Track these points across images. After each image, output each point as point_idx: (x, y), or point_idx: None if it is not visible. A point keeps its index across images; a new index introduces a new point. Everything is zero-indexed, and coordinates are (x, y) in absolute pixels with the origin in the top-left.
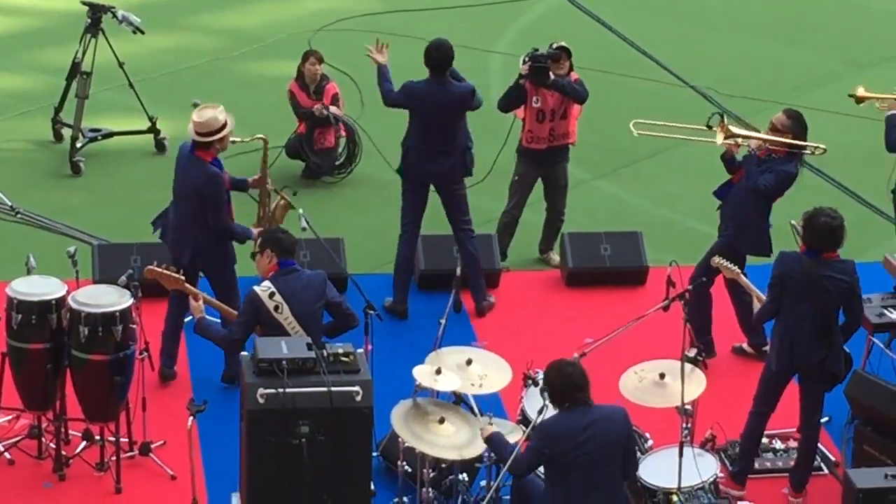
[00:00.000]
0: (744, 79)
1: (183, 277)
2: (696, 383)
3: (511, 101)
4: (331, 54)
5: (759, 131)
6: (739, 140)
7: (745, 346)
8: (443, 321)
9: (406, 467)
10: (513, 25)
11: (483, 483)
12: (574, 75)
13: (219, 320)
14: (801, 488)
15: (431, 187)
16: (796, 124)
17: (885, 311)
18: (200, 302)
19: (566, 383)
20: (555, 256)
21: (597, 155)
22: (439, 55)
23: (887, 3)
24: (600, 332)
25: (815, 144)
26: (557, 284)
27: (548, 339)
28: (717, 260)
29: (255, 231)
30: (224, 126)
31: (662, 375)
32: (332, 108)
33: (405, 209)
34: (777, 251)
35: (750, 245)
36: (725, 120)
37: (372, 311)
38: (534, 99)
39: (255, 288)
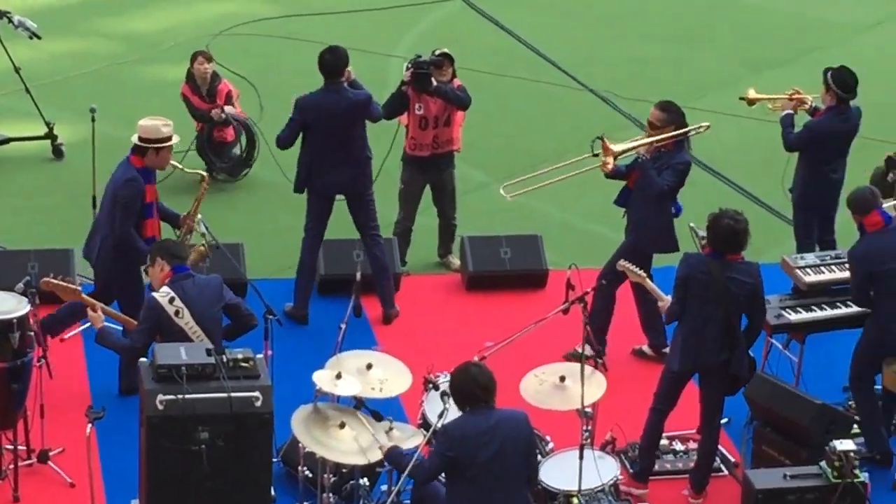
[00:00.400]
0: (642, 82)
1: (79, 288)
2: (596, 386)
3: (394, 107)
4: (229, 59)
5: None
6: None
7: (644, 347)
8: (343, 326)
9: (307, 472)
10: (412, 29)
11: (384, 488)
12: (457, 82)
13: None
14: (702, 489)
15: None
16: (673, 115)
17: (783, 313)
18: (99, 312)
19: (472, 385)
20: (454, 260)
21: (496, 158)
22: (333, 59)
23: (781, 4)
24: (501, 336)
25: (696, 126)
26: (458, 288)
27: (448, 342)
28: (622, 263)
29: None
30: (165, 140)
31: (563, 378)
32: (228, 108)
33: (310, 216)
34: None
35: (655, 244)
36: (606, 142)
37: (272, 317)
38: (416, 106)
39: (154, 294)
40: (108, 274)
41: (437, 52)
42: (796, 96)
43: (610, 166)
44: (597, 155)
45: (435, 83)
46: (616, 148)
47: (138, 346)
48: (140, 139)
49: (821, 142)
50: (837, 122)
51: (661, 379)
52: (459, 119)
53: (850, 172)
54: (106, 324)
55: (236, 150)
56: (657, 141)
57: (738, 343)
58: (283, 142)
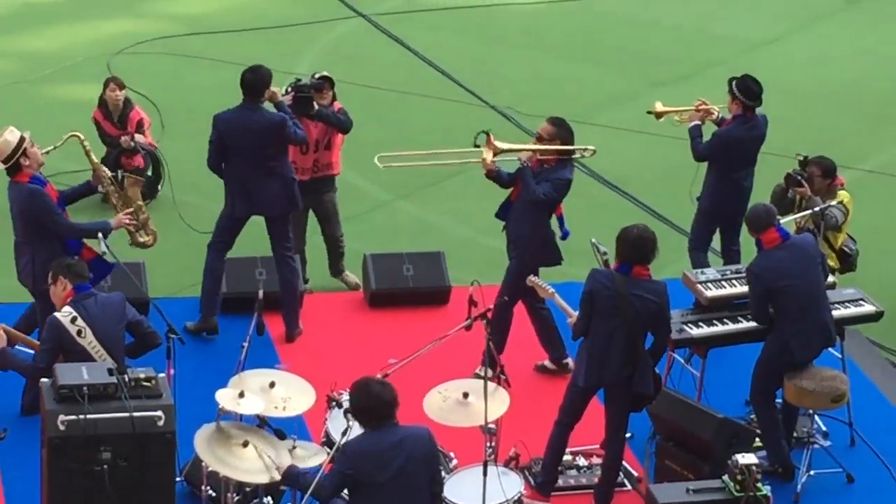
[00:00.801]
0: (543, 98)
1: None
2: (499, 402)
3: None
4: (131, 78)
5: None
6: (508, 154)
7: (546, 363)
8: (245, 344)
9: (210, 492)
10: (313, 46)
11: None
12: (337, 105)
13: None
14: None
15: None
16: (562, 131)
17: (685, 327)
18: (1, 332)
19: (374, 402)
20: (350, 276)
21: (397, 176)
22: (253, 78)
23: (680, 20)
24: (404, 353)
25: (583, 147)
26: (360, 305)
27: (351, 360)
28: (532, 280)
29: (114, 221)
30: (21, 142)
31: (466, 395)
32: (138, 137)
33: (218, 231)
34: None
35: (540, 258)
36: (491, 138)
37: (174, 335)
38: None
39: (56, 314)
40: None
41: (318, 76)
42: (703, 107)
43: (489, 161)
44: (478, 146)
45: (316, 107)
46: (500, 144)
47: (41, 367)
48: (6, 159)
49: (729, 150)
50: (744, 130)
51: (566, 392)
52: (339, 142)
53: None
54: (7, 347)
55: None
56: (541, 150)
57: (641, 360)
58: (210, 162)
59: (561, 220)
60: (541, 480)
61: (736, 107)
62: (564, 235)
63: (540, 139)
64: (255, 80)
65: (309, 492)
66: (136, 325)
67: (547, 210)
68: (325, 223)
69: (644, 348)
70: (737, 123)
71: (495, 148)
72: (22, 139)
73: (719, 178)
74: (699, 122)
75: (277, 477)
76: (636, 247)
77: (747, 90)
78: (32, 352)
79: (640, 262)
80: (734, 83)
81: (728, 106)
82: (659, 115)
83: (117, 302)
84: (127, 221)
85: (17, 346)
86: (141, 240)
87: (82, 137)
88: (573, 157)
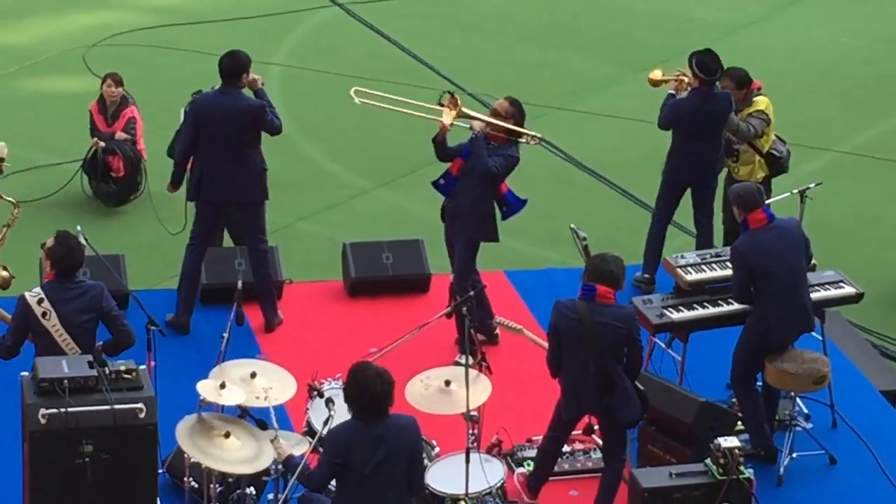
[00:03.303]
0: (521, 84)
1: None
2: (481, 389)
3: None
4: (107, 70)
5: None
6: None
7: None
8: (226, 335)
9: (193, 483)
10: (290, 36)
11: (271, 496)
12: None
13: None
14: None
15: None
16: (517, 111)
17: (665, 312)
18: None
19: (374, 403)
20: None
21: (376, 164)
22: (230, 62)
23: (657, 5)
24: (385, 341)
25: (531, 133)
26: (340, 294)
27: (332, 349)
28: (498, 320)
29: None
30: None
31: (448, 382)
32: (119, 135)
33: (196, 225)
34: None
35: (482, 233)
36: (459, 100)
37: (154, 327)
38: None
39: (26, 293)
40: None
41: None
42: (680, 77)
43: (447, 123)
44: (442, 105)
45: None
46: (463, 108)
47: (7, 345)
48: None
49: (679, 121)
50: (698, 102)
51: (553, 413)
52: None
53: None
54: None
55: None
56: (496, 125)
57: (617, 387)
58: (177, 148)
59: (505, 196)
60: (532, 483)
61: (694, 81)
62: (510, 212)
63: (495, 114)
64: (232, 65)
65: (294, 477)
66: (111, 319)
67: (492, 184)
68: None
69: (620, 374)
70: (691, 96)
71: (458, 108)
72: None
73: (677, 145)
74: (673, 92)
75: (262, 465)
76: (600, 267)
77: (702, 65)
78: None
79: (604, 282)
80: (693, 59)
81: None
82: (655, 84)
83: (93, 294)
84: None
85: None
86: None
87: (17, 211)
88: (520, 140)
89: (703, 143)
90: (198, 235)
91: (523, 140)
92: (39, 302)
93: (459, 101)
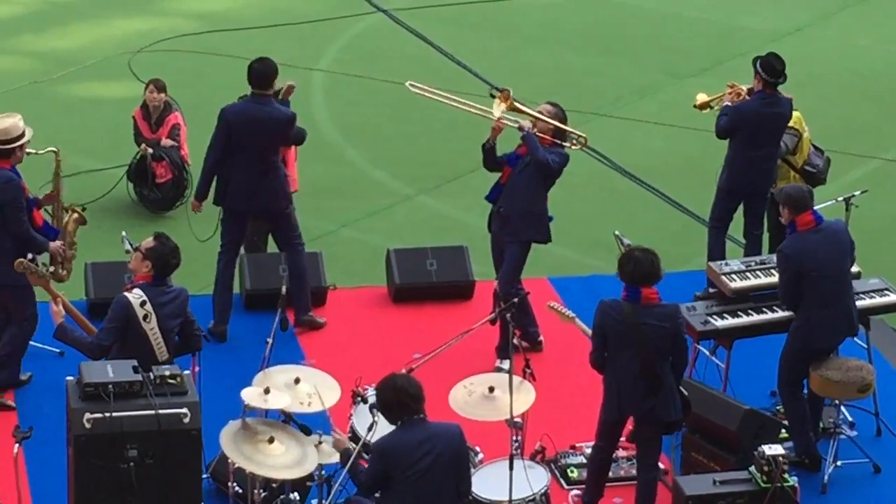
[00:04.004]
0: (564, 91)
1: (50, 277)
2: (525, 395)
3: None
4: (151, 76)
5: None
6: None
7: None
8: (270, 340)
9: (237, 488)
10: (334, 43)
11: (314, 502)
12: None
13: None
14: None
15: None
16: (560, 112)
17: (710, 319)
18: (60, 307)
19: (400, 397)
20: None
21: (420, 170)
22: (261, 69)
23: (701, 12)
24: (428, 347)
25: (578, 132)
26: (385, 301)
27: (376, 355)
28: (551, 305)
29: (51, 246)
30: (24, 134)
31: (492, 389)
32: (165, 141)
33: (224, 234)
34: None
35: (534, 234)
36: (512, 93)
37: (199, 333)
38: None
39: (127, 294)
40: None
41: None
42: (734, 88)
43: (498, 114)
44: (493, 96)
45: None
46: (517, 103)
47: (105, 344)
48: (2, 142)
49: (745, 122)
50: (762, 105)
51: (598, 421)
52: (293, 157)
53: None
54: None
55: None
56: (545, 121)
57: (661, 388)
58: (210, 152)
59: (498, 188)
60: (587, 500)
61: (758, 83)
62: (490, 199)
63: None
64: (262, 70)
65: (355, 477)
66: (189, 324)
67: (545, 183)
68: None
69: (667, 373)
70: (755, 98)
71: (511, 101)
72: (24, 132)
73: (736, 154)
74: (729, 103)
75: (306, 470)
76: (637, 270)
77: (768, 66)
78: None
79: (646, 283)
80: (759, 60)
81: (753, 84)
82: (702, 107)
83: (182, 297)
84: (60, 252)
85: None
86: (59, 272)
87: (58, 155)
88: (564, 143)
89: (760, 150)
90: (227, 243)
91: (567, 144)
92: (142, 304)
93: (511, 94)
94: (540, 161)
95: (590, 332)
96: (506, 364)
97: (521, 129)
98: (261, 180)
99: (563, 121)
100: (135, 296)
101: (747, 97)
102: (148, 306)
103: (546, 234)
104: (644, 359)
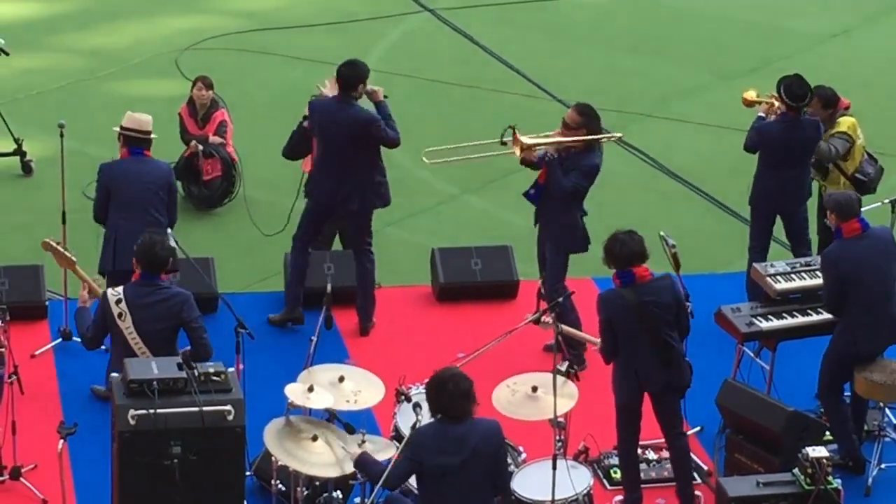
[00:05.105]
0: (611, 91)
1: (76, 260)
2: (568, 395)
3: (295, 147)
4: (197, 73)
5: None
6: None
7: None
8: (314, 339)
9: (280, 486)
10: (380, 42)
11: (357, 500)
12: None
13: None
14: (691, 501)
15: None
16: (587, 119)
17: (755, 321)
18: (86, 292)
19: (451, 393)
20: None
21: (466, 170)
22: (347, 72)
23: (748, 14)
24: (472, 347)
25: (609, 134)
26: (429, 300)
27: (420, 354)
28: (545, 321)
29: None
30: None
31: (535, 388)
32: (213, 138)
33: (303, 225)
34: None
35: (567, 244)
36: (517, 133)
37: (243, 330)
38: None
39: (108, 290)
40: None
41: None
42: (772, 99)
43: (518, 155)
44: (505, 143)
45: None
46: (525, 140)
47: (89, 336)
48: (147, 132)
49: (765, 144)
50: (784, 128)
51: (617, 412)
52: None
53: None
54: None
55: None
56: (567, 142)
57: (675, 358)
58: (287, 144)
59: (538, 187)
60: (628, 499)
61: (782, 105)
62: (529, 196)
63: (566, 126)
64: (347, 74)
65: (380, 480)
66: (190, 330)
67: (577, 198)
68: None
69: (676, 339)
70: (778, 121)
71: (521, 144)
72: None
73: (761, 172)
74: (763, 115)
75: (349, 468)
76: (626, 250)
77: (789, 91)
78: None
79: (637, 262)
80: (782, 84)
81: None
82: (749, 104)
83: (174, 302)
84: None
85: None
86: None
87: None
88: (605, 142)
89: (788, 171)
90: (302, 236)
91: (604, 141)
92: (118, 302)
93: (518, 136)
94: (560, 192)
95: (589, 336)
96: (563, 365)
97: (546, 156)
98: (342, 178)
99: (591, 122)
100: (113, 293)
101: (779, 112)
102: (123, 305)
103: (580, 245)
104: (654, 335)
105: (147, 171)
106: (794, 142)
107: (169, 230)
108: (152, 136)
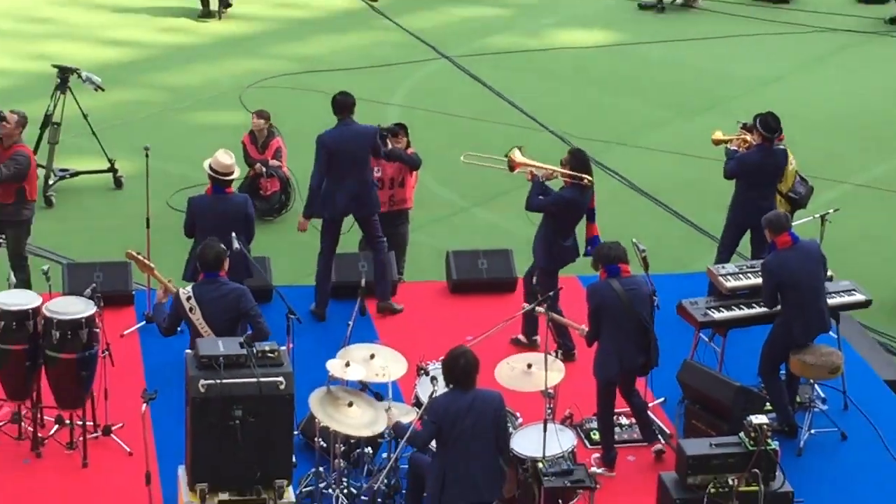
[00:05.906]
0: (592, 123)
1: (154, 266)
2: (557, 371)
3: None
4: (258, 106)
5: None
6: (532, 169)
7: (520, 336)
8: (350, 323)
9: (321, 443)
10: (406, 82)
11: (385, 455)
12: (410, 150)
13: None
14: (654, 437)
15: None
16: (574, 160)
17: (709, 312)
18: (162, 291)
19: (461, 367)
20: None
21: (474, 188)
22: (342, 98)
23: (702, 61)
24: (479, 331)
25: (581, 175)
26: (444, 293)
27: (436, 337)
28: (540, 311)
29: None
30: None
31: (530, 365)
32: (273, 162)
33: (324, 235)
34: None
35: (543, 260)
36: (521, 150)
37: (293, 316)
38: (375, 169)
39: (180, 289)
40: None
41: (394, 123)
42: (742, 136)
43: (514, 171)
44: (513, 170)
45: (391, 146)
46: (517, 158)
47: (165, 327)
48: (229, 174)
49: (747, 171)
50: (760, 157)
51: (599, 387)
52: (412, 182)
53: None
54: (164, 303)
55: (278, 197)
56: (550, 170)
57: (652, 342)
58: (315, 178)
59: (594, 238)
60: (608, 459)
61: (757, 137)
62: (587, 252)
63: (562, 164)
64: (342, 100)
65: (405, 440)
66: (250, 318)
67: (550, 219)
68: (395, 252)
69: (652, 328)
70: (755, 151)
71: (514, 161)
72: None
73: (740, 194)
74: (735, 148)
75: (378, 429)
76: (614, 252)
77: (765, 124)
78: None
79: (621, 261)
80: (758, 119)
81: (753, 137)
82: (717, 143)
83: (232, 297)
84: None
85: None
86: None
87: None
88: (581, 182)
89: (762, 190)
90: (326, 247)
91: (577, 180)
92: (188, 299)
93: (518, 153)
94: (531, 205)
95: (574, 323)
96: (522, 337)
97: (535, 177)
98: (352, 187)
99: (577, 164)
100: (184, 292)
101: (752, 146)
102: (192, 301)
103: (554, 261)
104: (637, 321)
105: (225, 207)
106: (769, 167)
107: (233, 234)
108: (233, 177)
